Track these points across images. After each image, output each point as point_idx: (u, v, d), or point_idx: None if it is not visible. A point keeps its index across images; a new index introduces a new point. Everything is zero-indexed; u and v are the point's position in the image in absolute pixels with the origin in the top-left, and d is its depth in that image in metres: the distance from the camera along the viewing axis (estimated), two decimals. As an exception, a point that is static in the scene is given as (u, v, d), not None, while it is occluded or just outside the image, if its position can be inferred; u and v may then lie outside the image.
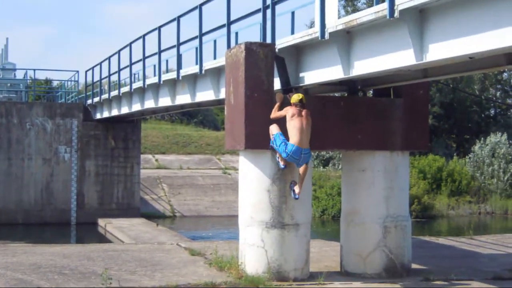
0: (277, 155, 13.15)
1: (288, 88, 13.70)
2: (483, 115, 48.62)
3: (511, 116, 48.13)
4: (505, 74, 48.81)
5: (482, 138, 40.82)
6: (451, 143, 46.07)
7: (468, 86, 46.02)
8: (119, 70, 27.01)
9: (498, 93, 50.33)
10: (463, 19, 9.24)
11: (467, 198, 38.28)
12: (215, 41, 20.03)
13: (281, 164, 13.11)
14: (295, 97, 12.95)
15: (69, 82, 39.96)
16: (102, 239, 27.22)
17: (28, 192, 31.87)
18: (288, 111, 12.89)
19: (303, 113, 12.86)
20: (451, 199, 37.64)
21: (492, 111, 50.20)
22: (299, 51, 13.56)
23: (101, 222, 30.74)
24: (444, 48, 9.68)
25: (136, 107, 25.85)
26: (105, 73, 29.82)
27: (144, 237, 24.02)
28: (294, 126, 12.78)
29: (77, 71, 36.29)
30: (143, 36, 22.90)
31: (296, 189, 13.16)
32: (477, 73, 17.20)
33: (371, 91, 15.95)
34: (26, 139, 31.92)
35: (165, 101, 22.13)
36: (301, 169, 13.07)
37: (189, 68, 18.99)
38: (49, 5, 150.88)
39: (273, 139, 13.05)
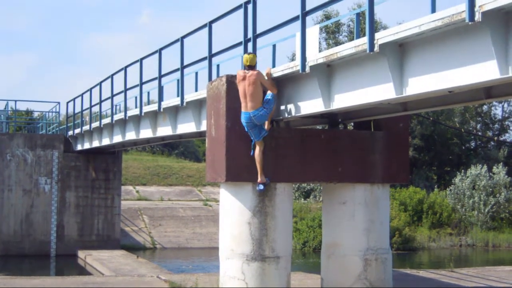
0: None
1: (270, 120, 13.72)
2: (463, 148, 48.93)
3: (491, 149, 48.39)
4: (485, 107, 49.18)
5: (463, 170, 41.05)
6: (431, 175, 46.22)
7: (448, 118, 46.39)
8: (101, 101, 27.00)
9: (478, 126, 50.67)
10: (443, 53, 9.31)
11: (448, 230, 38.39)
12: (196, 73, 20.11)
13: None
14: (244, 59, 13.09)
15: (50, 113, 39.87)
16: (82, 271, 26.99)
17: (7, 223, 31.57)
18: (237, 75, 13.05)
19: (247, 76, 12.87)
20: (432, 231, 37.72)
21: (473, 144, 50.48)
22: (280, 84, 13.58)
23: (81, 254, 30.49)
24: (424, 82, 9.75)
25: (117, 138, 25.80)
26: (86, 105, 29.76)
27: (124, 269, 23.84)
28: (239, 93, 12.97)
29: (58, 102, 36.22)
30: (125, 68, 22.92)
31: (259, 178, 13.09)
32: (457, 106, 17.29)
33: (352, 124, 16.03)
34: (6, 170, 31.73)
35: (146, 133, 22.11)
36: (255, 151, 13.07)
37: (171, 100, 19.01)
38: (30, 33, 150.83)
39: None
